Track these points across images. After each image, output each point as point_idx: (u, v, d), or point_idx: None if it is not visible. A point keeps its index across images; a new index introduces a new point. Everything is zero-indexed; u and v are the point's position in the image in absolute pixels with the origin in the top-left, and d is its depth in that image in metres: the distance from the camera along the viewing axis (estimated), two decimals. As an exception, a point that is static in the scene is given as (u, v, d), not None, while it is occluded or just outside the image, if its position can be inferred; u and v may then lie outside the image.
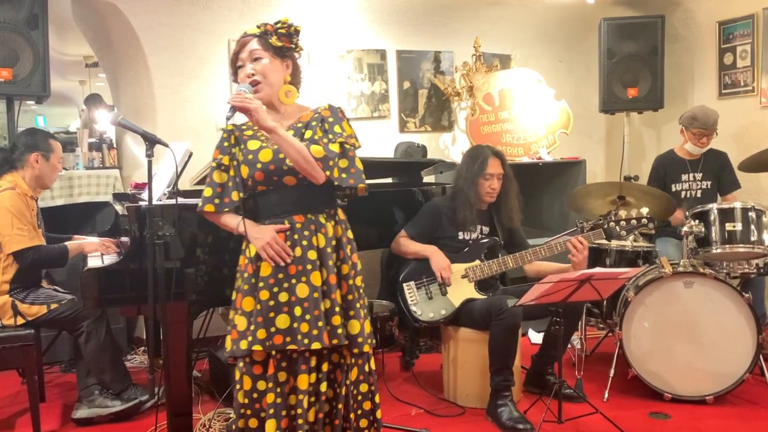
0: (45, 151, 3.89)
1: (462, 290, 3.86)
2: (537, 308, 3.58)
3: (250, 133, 2.70)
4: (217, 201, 2.67)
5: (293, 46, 2.72)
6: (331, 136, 2.62)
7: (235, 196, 2.65)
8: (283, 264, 2.56)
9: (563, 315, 3.49)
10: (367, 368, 2.73)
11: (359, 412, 2.70)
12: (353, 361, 2.69)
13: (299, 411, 2.56)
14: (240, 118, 2.59)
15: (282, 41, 2.67)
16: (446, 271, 3.84)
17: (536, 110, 5.80)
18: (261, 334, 2.53)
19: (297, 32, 2.71)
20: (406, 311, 3.88)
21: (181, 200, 3.36)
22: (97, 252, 3.84)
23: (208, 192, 2.67)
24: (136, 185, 4.90)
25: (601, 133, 6.87)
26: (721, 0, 5.76)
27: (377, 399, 2.77)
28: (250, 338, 2.55)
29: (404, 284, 3.90)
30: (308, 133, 2.63)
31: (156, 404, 3.70)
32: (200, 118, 5.28)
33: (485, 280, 3.91)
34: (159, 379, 3.73)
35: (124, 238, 3.85)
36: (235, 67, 2.70)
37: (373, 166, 4.69)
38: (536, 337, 4.92)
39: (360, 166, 2.68)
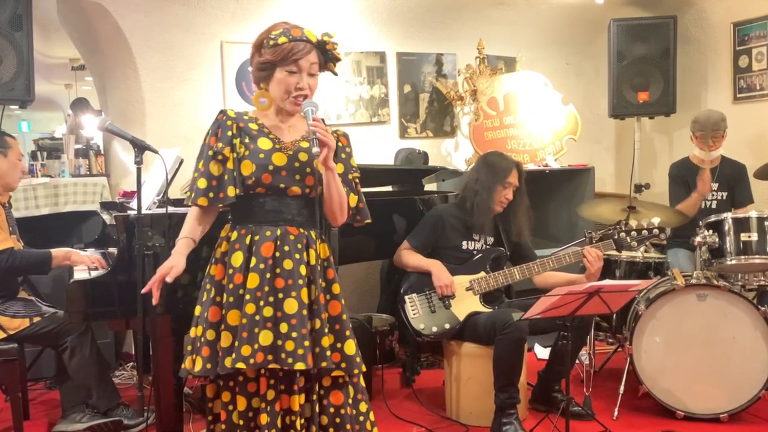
0: (1, 147, 3.82)
1: (466, 303, 3.87)
2: (544, 322, 3.59)
3: (255, 127, 2.65)
4: (211, 195, 2.59)
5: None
6: (350, 174, 2.73)
7: (231, 191, 2.59)
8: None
9: (571, 329, 3.50)
10: (361, 386, 2.75)
11: None
12: (351, 380, 2.69)
13: None
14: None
15: (335, 63, 2.70)
16: (449, 288, 3.85)
17: (543, 115, 5.82)
18: (246, 350, 2.48)
19: None
20: (407, 325, 3.89)
21: (171, 209, 3.38)
22: (84, 266, 3.79)
23: (202, 183, 2.59)
24: (124, 193, 4.92)
25: (611, 139, 6.89)
26: (736, 0, 5.80)
27: (372, 417, 2.78)
28: (234, 355, 2.50)
29: (406, 297, 3.92)
30: (339, 167, 2.68)
31: (145, 424, 3.71)
32: (191, 123, 5.29)
33: (490, 292, 3.92)
34: (148, 396, 3.74)
35: (112, 249, 3.87)
36: (282, 61, 2.57)
37: (372, 174, 4.71)
38: (543, 352, 4.94)
39: (363, 199, 2.78)
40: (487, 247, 4.04)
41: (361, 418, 2.72)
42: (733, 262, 4.05)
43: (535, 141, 5.82)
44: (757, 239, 4.02)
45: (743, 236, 4.04)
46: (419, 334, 3.86)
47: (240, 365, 2.48)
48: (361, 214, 2.77)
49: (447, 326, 3.85)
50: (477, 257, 3.99)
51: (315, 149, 2.44)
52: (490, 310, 3.86)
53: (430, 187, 5.48)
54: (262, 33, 2.64)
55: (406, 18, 5.93)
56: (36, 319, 3.68)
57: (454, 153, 6.26)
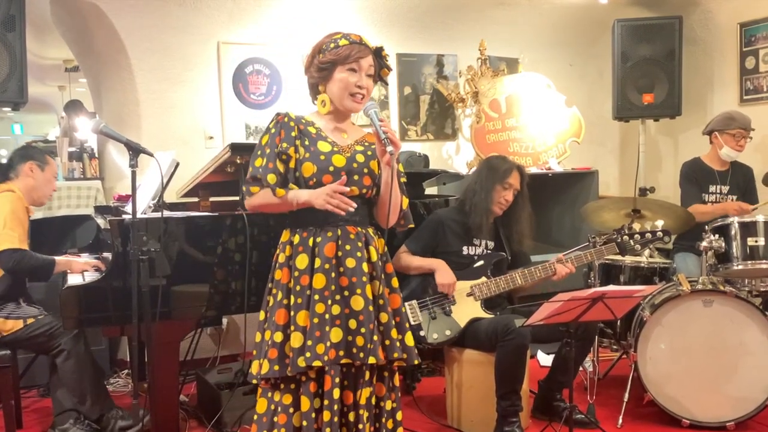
0: (40, 162, 4.02)
1: (467, 309, 3.87)
2: (547, 329, 3.59)
3: (313, 130, 2.80)
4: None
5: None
6: (401, 177, 2.91)
7: (292, 187, 2.75)
8: (344, 213, 2.63)
9: (574, 336, 3.51)
10: (391, 384, 2.85)
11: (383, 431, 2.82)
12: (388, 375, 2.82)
13: (360, 426, 2.67)
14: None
15: (388, 72, 2.88)
16: (451, 287, 3.86)
17: (546, 117, 5.83)
18: (320, 348, 2.61)
19: None
20: (407, 332, 3.89)
21: (167, 213, 3.39)
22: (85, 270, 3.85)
23: (272, 179, 2.71)
24: (119, 197, 4.93)
25: (615, 142, 6.90)
26: (743, 0, 5.81)
27: (399, 416, 2.89)
28: (308, 354, 2.60)
29: (406, 303, 3.90)
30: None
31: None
32: (188, 125, 5.31)
33: (492, 298, 3.92)
34: (144, 405, 3.74)
35: (107, 254, 3.87)
36: (344, 60, 2.74)
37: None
38: (546, 359, 4.94)
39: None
40: (488, 252, 4.04)
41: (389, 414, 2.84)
42: (740, 267, 4.06)
43: (537, 144, 5.83)
44: (764, 244, 4.03)
45: (750, 241, 4.05)
46: (419, 340, 3.86)
47: (317, 363, 2.60)
48: (406, 218, 2.96)
49: (448, 332, 3.85)
50: (478, 262, 3.99)
51: (390, 148, 2.61)
52: (492, 315, 3.86)
53: (430, 190, 5.48)
54: (319, 41, 2.82)
55: (406, 18, 5.94)
56: (29, 321, 3.71)
57: (455, 156, 6.27)
